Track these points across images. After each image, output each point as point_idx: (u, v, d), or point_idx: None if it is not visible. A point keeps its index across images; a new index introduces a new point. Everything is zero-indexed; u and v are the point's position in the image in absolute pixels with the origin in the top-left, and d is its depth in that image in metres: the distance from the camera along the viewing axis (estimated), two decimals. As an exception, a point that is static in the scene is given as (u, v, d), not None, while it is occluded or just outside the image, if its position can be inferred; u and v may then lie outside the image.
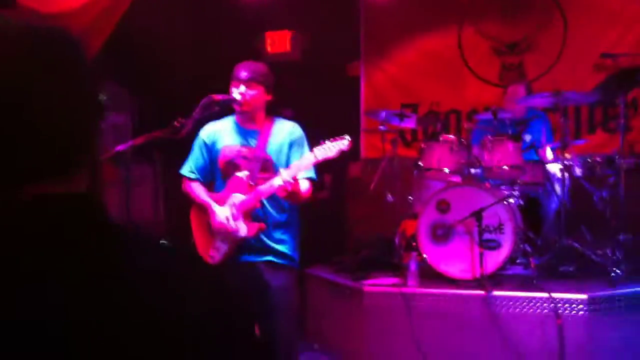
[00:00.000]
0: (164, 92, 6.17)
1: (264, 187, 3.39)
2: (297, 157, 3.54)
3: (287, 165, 3.54)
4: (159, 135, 3.30)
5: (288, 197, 3.37)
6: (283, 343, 3.53)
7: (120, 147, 3.14)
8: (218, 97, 3.44)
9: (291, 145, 3.58)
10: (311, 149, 3.46)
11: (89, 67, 1.07)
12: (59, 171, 1.01)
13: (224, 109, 3.53)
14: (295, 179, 3.31)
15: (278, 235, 3.58)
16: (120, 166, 3.16)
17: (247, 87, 3.50)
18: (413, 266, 4.82)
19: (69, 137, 1.01)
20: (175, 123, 3.32)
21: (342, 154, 3.33)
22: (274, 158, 3.56)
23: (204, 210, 3.61)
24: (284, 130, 3.61)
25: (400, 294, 4.69)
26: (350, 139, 3.26)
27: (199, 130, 3.64)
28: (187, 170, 3.74)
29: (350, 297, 4.98)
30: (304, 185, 3.49)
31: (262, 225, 3.47)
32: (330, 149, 3.26)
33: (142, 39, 6.41)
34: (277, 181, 3.32)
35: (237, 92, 3.51)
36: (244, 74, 3.51)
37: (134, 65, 6.50)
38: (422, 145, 5.39)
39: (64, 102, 1.00)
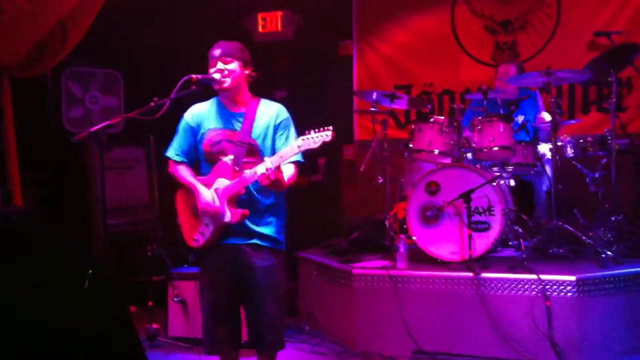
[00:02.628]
0: (156, 75, 6.12)
1: (248, 174, 3.35)
2: (282, 141, 3.51)
3: (272, 149, 3.51)
4: (134, 116, 3.24)
5: (270, 185, 3.33)
6: (269, 323, 3.52)
7: (93, 128, 3.07)
8: (196, 76, 3.40)
9: (276, 129, 3.53)
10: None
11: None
12: None
13: (203, 89, 3.48)
14: (278, 168, 3.28)
15: (264, 218, 3.54)
16: (96, 147, 3.10)
17: (223, 62, 3.48)
18: (402, 248, 4.80)
19: None
20: (151, 103, 3.27)
21: (327, 142, 3.24)
22: (259, 142, 3.52)
23: (190, 193, 3.58)
24: (269, 113, 3.56)
25: (388, 276, 4.67)
26: (333, 131, 3.19)
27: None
28: (172, 152, 3.69)
29: (340, 279, 4.97)
30: (289, 171, 3.45)
31: (246, 211, 3.43)
32: (314, 140, 3.19)
33: (132, 22, 6.37)
34: (260, 169, 3.28)
35: (214, 71, 3.48)
36: (217, 52, 3.50)
37: (125, 48, 6.46)
38: (413, 127, 5.34)
39: None
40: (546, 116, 5.49)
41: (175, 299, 5.03)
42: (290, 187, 3.50)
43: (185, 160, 3.68)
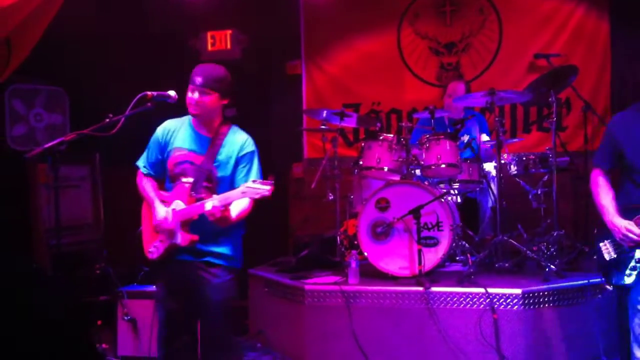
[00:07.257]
0: (104, 91, 6.05)
1: (197, 206, 3.36)
2: (242, 174, 3.50)
3: (231, 179, 3.50)
4: (89, 132, 3.22)
5: (215, 222, 3.32)
6: (216, 338, 3.52)
7: (48, 144, 3.03)
8: (151, 93, 3.39)
9: (238, 161, 3.52)
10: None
11: None
12: None
13: (158, 106, 3.47)
14: (226, 207, 3.27)
15: (218, 240, 3.53)
16: (49, 164, 3.05)
17: (200, 93, 3.43)
18: (353, 264, 4.86)
19: None
20: (106, 120, 3.25)
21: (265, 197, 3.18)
22: (219, 170, 3.50)
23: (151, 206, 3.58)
24: (236, 144, 3.54)
25: (340, 292, 4.71)
26: (272, 186, 3.15)
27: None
28: (141, 163, 3.69)
29: (292, 296, 4.99)
30: (242, 204, 3.40)
31: (195, 237, 3.43)
32: (256, 190, 3.15)
33: (78, 39, 6.28)
34: (207, 205, 3.28)
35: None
36: (198, 80, 3.44)
37: (70, 65, 6.37)
38: (362, 144, 5.42)
39: None
40: (484, 137, 5.67)
41: (125, 318, 4.97)
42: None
43: (152, 173, 3.66)
